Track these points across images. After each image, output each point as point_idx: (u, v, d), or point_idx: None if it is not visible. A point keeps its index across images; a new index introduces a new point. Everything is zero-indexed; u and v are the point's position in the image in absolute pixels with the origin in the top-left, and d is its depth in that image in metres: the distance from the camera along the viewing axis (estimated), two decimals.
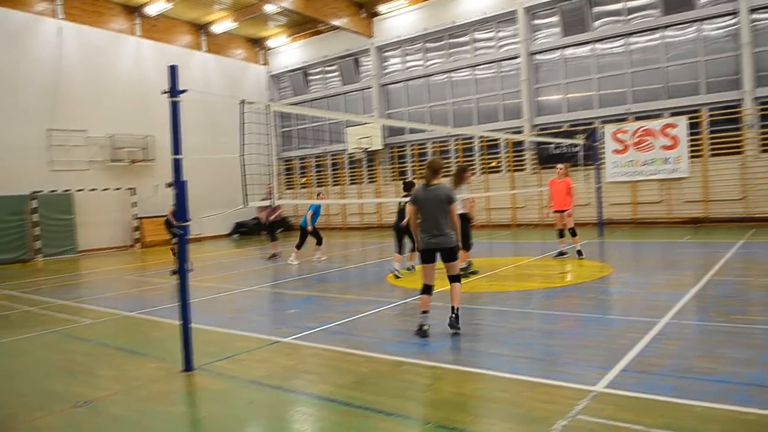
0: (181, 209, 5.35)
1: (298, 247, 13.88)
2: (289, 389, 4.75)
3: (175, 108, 5.27)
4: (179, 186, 5.27)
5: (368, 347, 5.89)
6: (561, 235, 12.10)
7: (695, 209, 17.83)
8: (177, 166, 5.31)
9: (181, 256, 5.45)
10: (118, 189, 22.07)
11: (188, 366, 5.40)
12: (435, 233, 6.29)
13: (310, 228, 13.75)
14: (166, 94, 5.24)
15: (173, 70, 5.27)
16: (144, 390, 4.95)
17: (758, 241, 13.06)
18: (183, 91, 5.23)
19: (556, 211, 12.09)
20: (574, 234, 11.83)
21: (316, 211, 14.07)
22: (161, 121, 5.89)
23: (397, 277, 10.28)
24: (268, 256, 14.80)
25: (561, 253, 11.94)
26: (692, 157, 17.79)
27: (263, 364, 5.52)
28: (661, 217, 18.45)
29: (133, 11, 23.09)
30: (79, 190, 20.73)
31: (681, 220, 18.06)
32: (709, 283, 8.28)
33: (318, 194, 16.18)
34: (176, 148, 5.31)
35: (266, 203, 6.73)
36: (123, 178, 22.34)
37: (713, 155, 17.69)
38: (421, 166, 24.01)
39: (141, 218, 22.63)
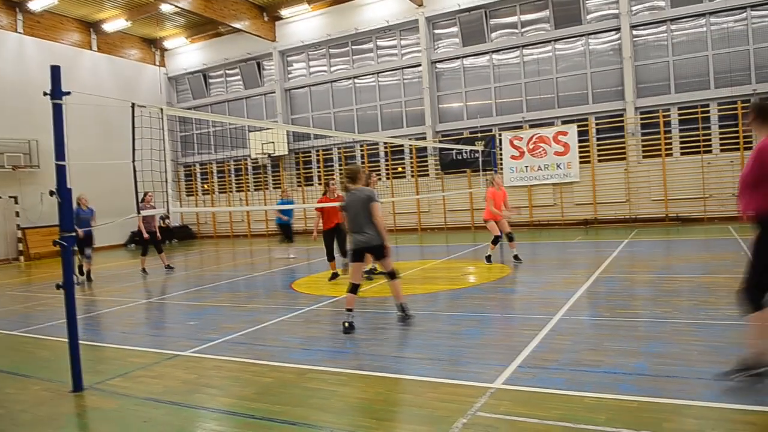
0: (66, 219, 5.01)
1: (290, 240, 15.39)
2: (189, 404, 4.56)
3: (57, 111, 4.92)
4: (63, 194, 4.93)
5: (272, 357, 5.78)
6: (511, 238, 11.61)
7: (585, 211, 19.00)
8: (61, 172, 4.96)
9: (67, 269, 5.10)
10: None
11: (78, 386, 5.05)
12: (360, 233, 6.70)
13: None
14: (48, 96, 4.89)
15: (55, 71, 4.92)
16: (28, 414, 4.57)
17: (641, 240, 14.10)
18: (67, 93, 4.90)
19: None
20: (511, 239, 11.57)
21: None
22: (46, 124, 5.49)
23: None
24: (165, 267, 14.30)
25: (516, 258, 11.41)
26: (582, 162, 18.95)
27: (161, 379, 5.27)
28: (555, 219, 19.50)
29: (15, 6, 21.47)
30: None
31: (573, 222, 19.18)
32: (598, 280, 8.84)
33: (282, 191, 16.35)
34: (59, 153, 4.96)
35: (154, 212, 6.44)
36: (4, 185, 20.63)
37: (600, 161, 18.94)
38: (327, 171, 23.96)
39: (25, 229, 21.00)
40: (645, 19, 18.08)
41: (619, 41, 18.44)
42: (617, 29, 18.46)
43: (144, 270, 14.20)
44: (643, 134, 18.45)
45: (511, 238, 11.65)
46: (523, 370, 4.75)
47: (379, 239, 6.64)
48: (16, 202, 20.82)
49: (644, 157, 18.36)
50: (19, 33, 21.76)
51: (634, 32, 18.32)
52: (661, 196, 17.78)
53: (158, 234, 14.50)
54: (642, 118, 18.36)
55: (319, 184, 24.17)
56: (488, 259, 11.49)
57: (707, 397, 3.91)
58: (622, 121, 18.55)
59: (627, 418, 3.66)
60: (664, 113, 17.92)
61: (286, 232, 15.46)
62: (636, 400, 3.96)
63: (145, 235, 14.09)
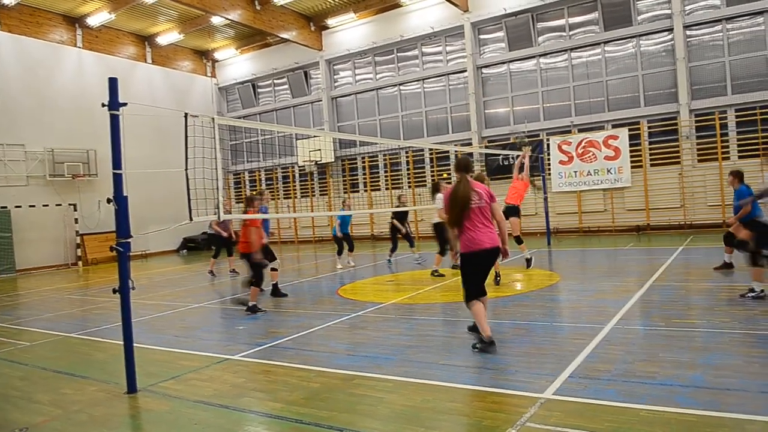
0: (122, 225, 5.17)
1: (339, 253, 14.64)
2: (237, 408, 4.63)
3: (114, 121, 5.11)
4: (120, 202, 5.10)
5: (319, 362, 5.82)
6: (519, 241, 11.54)
7: (637, 217, 18.47)
8: (117, 180, 5.14)
9: (123, 274, 5.26)
10: (59, 205, 21.24)
11: (132, 388, 5.20)
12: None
13: (339, 234, 14.45)
14: (106, 107, 5.08)
15: (113, 83, 5.11)
16: (84, 414, 4.74)
17: (696, 247, 13.61)
18: (123, 104, 5.08)
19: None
20: (519, 242, 11.47)
21: (343, 220, 14.59)
22: (104, 134, 5.69)
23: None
24: (231, 269, 14.59)
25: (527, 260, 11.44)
26: (633, 167, 18.44)
27: (210, 383, 5.37)
28: (605, 226, 19.02)
29: (74, 22, 22.43)
30: (17, 207, 19.86)
31: (624, 228, 18.66)
32: (652, 288, 8.56)
33: (343, 202, 16.28)
34: (116, 162, 5.14)
35: (205, 218, 6.57)
36: (64, 193, 21.54)
37: (653, 165, 18.39)
38: (372, 178, 24.08)
39: (83, 235, 21.86)
40: (699, 18, 17.49)
41: (672, 42, 17.90)
42: (670, 30, 17.92)
43: (212, 272, 14.44)
44: (699, 137, 17.82)
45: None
46: (574, 381, 4.62)
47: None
48: (75, 210, 21.68)
49: (699, 161, 17.73)
50: (79, 47, 22.73)
51: (688, 32, 17.75)
52: (718, 201, 17.11)
53: (234, 237, 14.31)
54: (697, 121, 17.75)
55: (365, 190, 24.31)
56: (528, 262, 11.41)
57: None
58: (675, 124, 17.98)
59: None
60: (721, 115, 17.28)
61: (347, 241, 14.83)
62: (694, 413, 3.80)
63: (225, 234, 14.29)
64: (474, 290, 5.83)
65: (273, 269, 10.27)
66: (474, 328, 5.99)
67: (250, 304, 8.88)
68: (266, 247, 9.78)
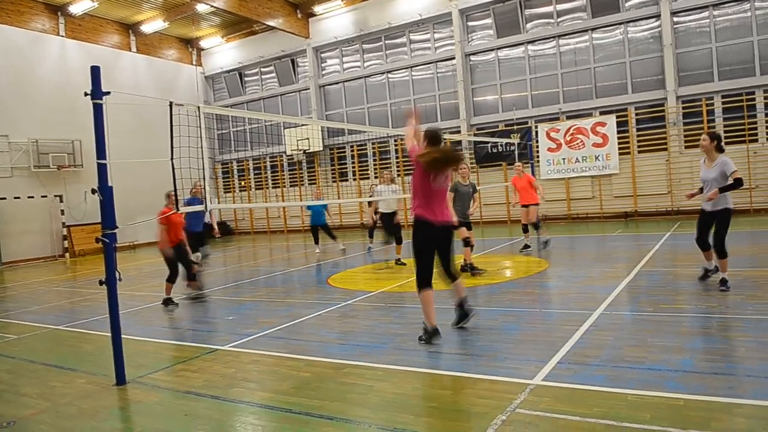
0: (108, 216, 5.11)
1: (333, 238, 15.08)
2: (227, 398, 4.61)
3: (98, 111, 5.02)
4: (105, 192, 5.03)
5: (309, 351, 5.81)
6: (525, 230, 12.47)
7: (625, 204, 18.58)
8: (102, 171, 5.07)
9: (109, 266, 5.20)
10: (44, 196, 21.02)
11: (121, 379, 5.17)
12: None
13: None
14: (89, 97, 5.00)
15: (95, 71, 5.03)
16: (73, 407, 4.70)
17: (683, 233, 13.71)
18: (107, 93, 5.00)
19: (523, 206, 12.49)
20: (537, 227, 12.46)
21: (314, 210, 14.78)
22: (89, 124, 5.61)
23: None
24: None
25: (526, 246, 12.24)
26: (621, 154, 18.53)
27: (200, 373, 5.35)
28: (593, 212, 19.13)
29: (57, 10, 22.07)
30: (2, 198, 19.62)
31: (612, 215, 18.78)
32: (640, 274, 8.62)
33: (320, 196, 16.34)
34: (101, 152, 5.07)
35: (192, 209, 6.51)
36: (49, 184, 21.30)
37: (641, 152, 18.49)
38: (361, 166, 24.01)
39: (70, 226, 21.66)
40: (686, 5, 17.51)
41: (659, 29, 17.93)
42: (657, 16, 17.95)
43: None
44: (686, 124, 17.92)
45: (536, 227, 12.55)
46: (563, 367, 4.65)
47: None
48: (61, 201, 21.47)
49: (686, 147, 17.83)
50: (61, 36, 22.38)
51: (675, 19, 17.78)
52: None
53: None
54: (684, 107, 17.84)
55: (354, 179, 24.25)
56: (526, 247, 12.20)
57: (758, 395, 3.76)
58: (663, 111, 18.05)
59: (673, 417, 3.55)
60: (708, 102, 17.38)
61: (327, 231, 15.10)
62: (682, 398, 3.83)
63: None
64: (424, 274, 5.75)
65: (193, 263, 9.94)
66: (462, 311, 6.18)
67: (165, 297, 9.18)
68: (199, 237, 10.45)
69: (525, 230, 12.46)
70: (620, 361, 4.68)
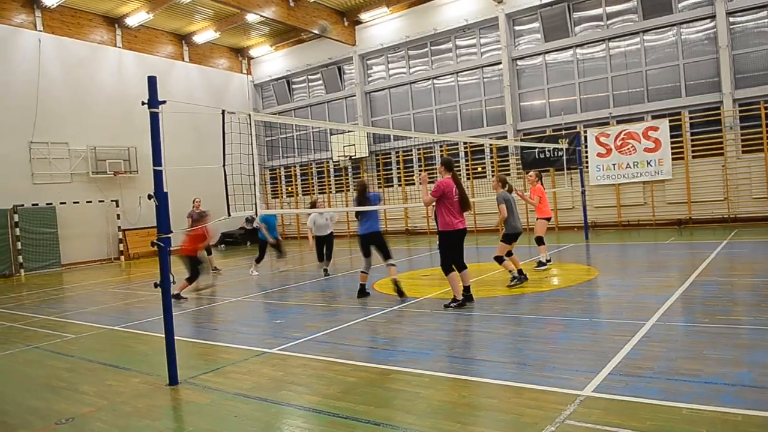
0: (162, 221, 5.28)
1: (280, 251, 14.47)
2: (276, 401, 4.69)
3: (154, 119, 5.21)
4: (160, 198, 5.21)
5: (356, 356, 5.85)
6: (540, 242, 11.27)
7: (679, 211, 18.00)
8: (157, 177, 5.25)
9: (164, 269, 5.37)
10: (101, 201, 21.84)
11: (173, 380, 5.32)
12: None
13: (271, 240, 13.86)
14: (146, 105, 5.19)
15: (152, 81, 5.22)
16: (128, 405, 4.86)
17: (741, 241, 13.20)
18: (162, 102, 5.18)
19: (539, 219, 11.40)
20: (539, 243, 11.16)
21: (268, 222, 13.89)
22: (144, 132, 5.82)
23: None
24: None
25: (540, 263, 10.98)
26: (674, 159, 17.98)
27: (249, 376, 5.46)
28: (645, 219, 18.61)
29: (114, 22, 22.93)
30: (62, 203, 20.48)
31: (665, 222, 18.22)
32: (694, 284, 8.34)
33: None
34: (156, 159, 5.25)
35: (249, 214, 6.65)
36: (106, 190, 22.12)
37: (695, 157, 17.90)
38: (407, 172, 24.04)
39: (125, 230, 22.42)
40: (743, 4, 16.88)
41: (715, 29, 17.34)
42: (712, 17, 17.37)
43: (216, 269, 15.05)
44: (743, 127, 17.25)
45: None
46: (614, 378, 4.54)
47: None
48: (117, 206, 22.26)
49: (744, 152, 17.17)
50: (119, 47, 23.24)
51: (731, 19, 17.17)
52: (764, 193, 16.55)
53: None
54: (741, 111, 17.18)
55: (399, 185, 24.30)
56: (540, 264, 10.88)
57: None
58: (718, 114, 17.43)
59: None
60: (766, 104, 16.70)
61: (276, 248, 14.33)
62: (740, 413, 3.69)
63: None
64: (450, 262, 7.97)
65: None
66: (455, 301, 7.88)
67: (174, 292, 9.67)
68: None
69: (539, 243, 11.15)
70: (674, 374, 4.54)
